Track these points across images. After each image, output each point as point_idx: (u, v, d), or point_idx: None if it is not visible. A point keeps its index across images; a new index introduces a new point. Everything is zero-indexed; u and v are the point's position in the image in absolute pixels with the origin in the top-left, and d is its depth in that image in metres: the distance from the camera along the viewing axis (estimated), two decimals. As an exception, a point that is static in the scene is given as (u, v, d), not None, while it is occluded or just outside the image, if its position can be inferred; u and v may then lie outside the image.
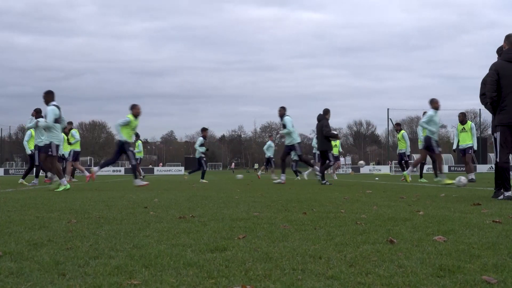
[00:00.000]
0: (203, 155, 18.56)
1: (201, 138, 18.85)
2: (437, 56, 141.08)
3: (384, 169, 48.57)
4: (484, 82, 7.36)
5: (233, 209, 5.71)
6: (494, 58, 7.35)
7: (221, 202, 6.74)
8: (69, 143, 17.93)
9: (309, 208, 5.69)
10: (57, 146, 10.98)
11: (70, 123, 18.14)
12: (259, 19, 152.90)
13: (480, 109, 51.68)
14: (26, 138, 16.46)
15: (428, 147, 12.75)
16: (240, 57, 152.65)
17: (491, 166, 50.53)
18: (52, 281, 2.30)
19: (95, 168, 12.92)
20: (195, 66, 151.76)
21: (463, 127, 15.16)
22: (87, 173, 16.90)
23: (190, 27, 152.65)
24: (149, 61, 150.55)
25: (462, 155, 15.23)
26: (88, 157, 72.21)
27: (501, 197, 6.87)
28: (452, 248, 2.99)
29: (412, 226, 3.97)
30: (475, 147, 14.93)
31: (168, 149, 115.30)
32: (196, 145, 18.83)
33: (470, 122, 15.39)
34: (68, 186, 11.07)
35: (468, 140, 15.03)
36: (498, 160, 6.91)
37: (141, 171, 17.24)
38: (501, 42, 7.13)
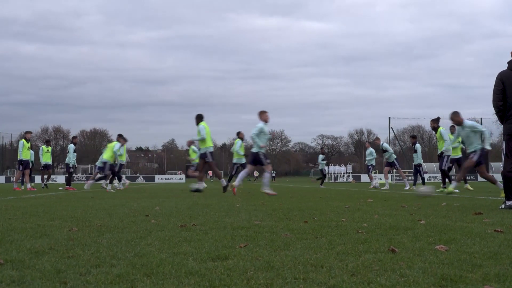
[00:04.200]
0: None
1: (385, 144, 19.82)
2: (439, 65, 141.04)
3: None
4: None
5: (234, 217, 5.71)
6: (496, 67, 7.37)
7: (222, 211, 6.74)
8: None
9: (310, 217, 5.68)
10: (211, 154, 14.05)
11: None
12: (263, 29, 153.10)
13: (481, 118, 51.56)
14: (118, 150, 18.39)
15: (256, 160, 12.03)
16: (243, 66, 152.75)
17: (492, 175, 50.30)
18: (54, 290, 2.30)
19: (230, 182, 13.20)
20: (199, 75, 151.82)
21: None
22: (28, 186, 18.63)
23: (194, 36, 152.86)
24: (152, 70, 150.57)
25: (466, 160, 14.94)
26: (89, 165, 72.17)
27: (503, 206, 6.85)
28: (454, 257, 2.98)
29: (413, 235, 3.96)
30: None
31: (169, 157, 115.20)
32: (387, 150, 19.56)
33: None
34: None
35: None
36: (502, 169, 6.90)
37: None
38: (504, 51, 7.14)
